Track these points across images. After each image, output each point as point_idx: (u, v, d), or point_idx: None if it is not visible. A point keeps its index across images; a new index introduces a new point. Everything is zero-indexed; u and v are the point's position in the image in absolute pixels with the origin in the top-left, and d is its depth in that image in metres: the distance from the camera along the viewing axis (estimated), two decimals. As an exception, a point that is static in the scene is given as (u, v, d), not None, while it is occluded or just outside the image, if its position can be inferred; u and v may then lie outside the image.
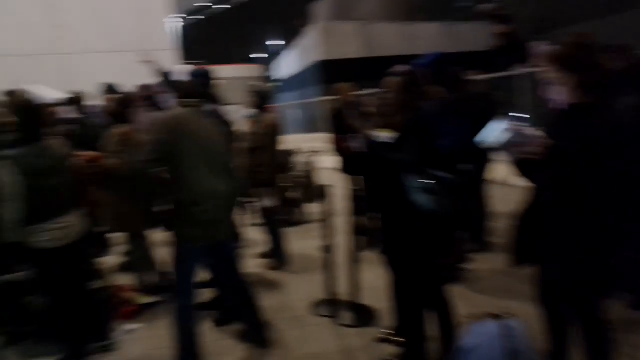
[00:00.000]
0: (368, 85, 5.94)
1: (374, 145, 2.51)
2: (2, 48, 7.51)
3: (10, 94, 3.82)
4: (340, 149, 4.44)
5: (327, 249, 3.34)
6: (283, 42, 31.87)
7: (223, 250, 2.88)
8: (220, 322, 3.29)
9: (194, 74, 3.37)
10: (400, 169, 2.31)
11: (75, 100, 4.92)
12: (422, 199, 2.24)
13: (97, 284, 3.45)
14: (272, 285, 3.98)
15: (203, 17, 33.66)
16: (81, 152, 3.12)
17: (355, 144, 2.90)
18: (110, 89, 4.21)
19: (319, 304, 3.51)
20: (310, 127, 14.48)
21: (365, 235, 3.74)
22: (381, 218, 2.60)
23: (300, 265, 4.33)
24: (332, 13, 19.85)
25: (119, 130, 3.51)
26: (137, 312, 3.52)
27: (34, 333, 3.15)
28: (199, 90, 3.00)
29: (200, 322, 2.86)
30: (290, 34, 26.25)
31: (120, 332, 3.25)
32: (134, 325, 3.36)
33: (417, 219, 2.33)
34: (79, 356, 2.87)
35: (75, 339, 2.89)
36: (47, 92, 4.92)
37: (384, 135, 2.43)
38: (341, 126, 4.38)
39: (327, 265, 3.36)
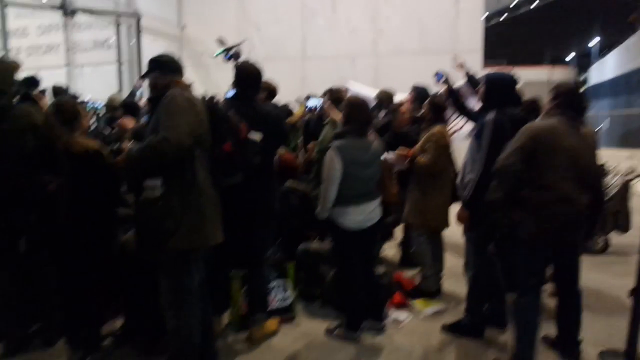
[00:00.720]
0: None
1: None
2: (332, 50, 8.79)
3: (336, 91, 4.47)
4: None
5: (635, 292, 2.72)
6: (600, 41, 27.61)
7: (568, 255, 2.81)
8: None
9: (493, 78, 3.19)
10: None
11: (383, 98, 5.38)
12: None
13: (380, 269, 3.77)
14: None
15: (510, 15, 32.11)
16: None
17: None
18: (419, 92, 4.38)
19: (612, 353, 2.92)
20: (631, 141, 12.16)
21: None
22: None
23: (592, 300, 3.67)
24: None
25: (435, 129, 3.68)
26: (407, 305, 3.64)
27: (322, 296, 3.65)
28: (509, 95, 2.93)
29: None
30: (616, 31, 22.51)
31: (390, 319, 3.42)
32: (403, 316, 3.48)
33: None
34: (355, 327, 3.16)
35: (354, 312, 3.19)
36: (363, 88, 5.52)
37: None
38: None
39: (632, 310, 2.74)
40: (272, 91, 4.10)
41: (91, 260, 2.76)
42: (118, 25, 8.64)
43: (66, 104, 2.87)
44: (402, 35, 8.50)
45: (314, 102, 4.79)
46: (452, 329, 3.24)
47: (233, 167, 2.57)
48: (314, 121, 4.78)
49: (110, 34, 8.96)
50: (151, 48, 8.41)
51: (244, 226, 2.97)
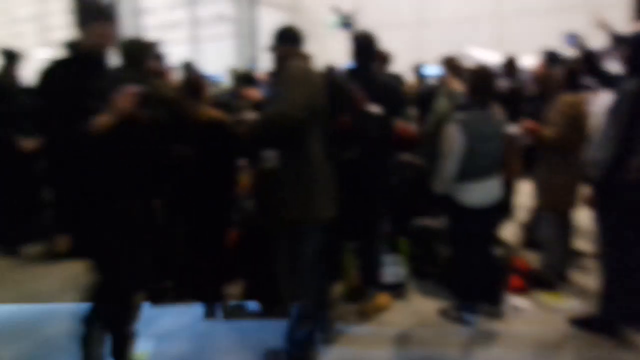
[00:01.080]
0: None
1: None
2: (451, 14, 8.27)
3: (454, 59, 4.19)
4: None
5: None
6: None
7: None
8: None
9: None
10: None
11: (508, 64, 4.96)
12: None
13: (498, 250, 3.54)
14: None
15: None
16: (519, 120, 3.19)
17: None
18: (550, 56, 3.95)
19: None
20: None
21: None
22: None
23: None
24: None
25: (566, 99, 3.29)
26: (526, 291, 3.39)
27: (436, 275, 3.53)
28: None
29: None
30: None
31: (508, 305, 3.21)
32: (523, 303, 3.24)
33: None
34: (470, 309, 3.02)
35: (470, 294, 3.04)
36: (484, 54, 5.13)
37: None
38: None
39: None
40: (385, 59, 3.97)
41: (217, 223, 2.97)
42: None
43: (192, 77, 3.04)
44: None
45: (429, 71, 4.50)
46: (581, 323, 2.94)
47: (350, 141, 2.53)
48: (429, 91, 4.55)
49: (228, 8, 9.34)
50: (267, 20, 8.62)
51: (359, 199, 2.95)
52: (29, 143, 4.15)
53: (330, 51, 8.68)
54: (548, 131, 3.25)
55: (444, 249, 3.47)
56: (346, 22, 3.81)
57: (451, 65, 4.02)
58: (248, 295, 3.21)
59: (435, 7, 8.54)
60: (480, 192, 2.86)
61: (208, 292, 3.11)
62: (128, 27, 7.37)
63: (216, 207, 2.95)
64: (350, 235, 3.22)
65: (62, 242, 4.26)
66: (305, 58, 2.48)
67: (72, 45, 2.17)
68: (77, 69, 2.10)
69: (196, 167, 2.90)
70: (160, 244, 3.21)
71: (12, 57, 4.43)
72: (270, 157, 2.46)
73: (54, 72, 2.09)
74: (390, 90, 2.98)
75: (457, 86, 3.51)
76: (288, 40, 2.51)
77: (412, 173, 3.71)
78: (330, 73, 2.57)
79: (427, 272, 3.60)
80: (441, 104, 3.75)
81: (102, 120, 2.01)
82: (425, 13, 8.65)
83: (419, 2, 8.65)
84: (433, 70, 4.30)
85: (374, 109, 2.55)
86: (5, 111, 4.18)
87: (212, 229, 2.97)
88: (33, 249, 4.49)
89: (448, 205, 2.97)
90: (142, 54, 3.02)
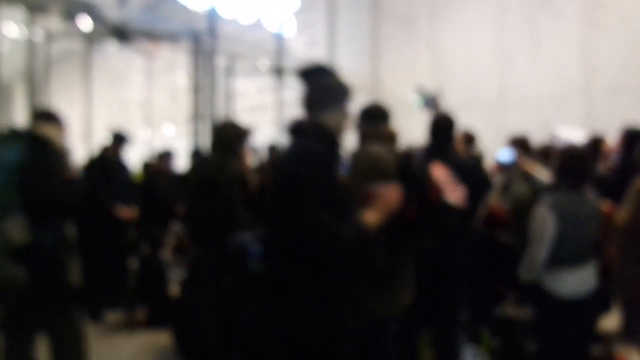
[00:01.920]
0: None
1: None
2: (534, 91, 8.09)
3: (523, 140, 4.01)
4: None
5: None
6: None
7: None
8: None
9: None
10: None
11: (593, 144, 4.68)
12: None
13: (595, 348, 3.15)
14: None
15: None
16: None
17: None
18: (631, 135, 3.68)
19: None
20: None
21: None
22: None
23: None
24: None
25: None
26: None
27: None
28: None
29: None
30: None
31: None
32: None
33: None
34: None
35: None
36: (571, 133, 4.90)
37: None
38: None
39: None
40: (470, 140, 3.93)
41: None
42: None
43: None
44: (621, 70, 7.37)
45: (504, 156, 4.11)
46: None
47: (420, 231, 2.36)
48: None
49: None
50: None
51: (436, 283, 2.81)
52: (125, 211, 4.52)
53: (410, 130, 8.78)
54: (620, 213, 2.98)
55: (530, 343, 3.15)
56: (429, 102, 3.85)
57: (522, 145, 3.87)
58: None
59: (516, 85, 8.44)
60: (573, 282, 2.61)
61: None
62: (220, 109, 8.02)
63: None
64: (425, 322, 3.04)
65: (141, 313, 4.46)
66: (389, 137, 2.47)
67: (315, 129, 1.88)
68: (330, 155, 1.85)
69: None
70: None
71: (119, 138, 4.97)
72: None
73: (319, 158, 1.76)
74: (470, 171, 2.90)
75: (532, 167, 3.37)
76: (371, 119, 2.53)
77: (498, 254, 3.49)
78: (404, 158, 2.46)
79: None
80: (519, 187, 3.61)
81: (371, 217, 1.82)
82: (506, 91, 8.56)
83: (499, 81, 8.61)
84: (505, 154, 3.96)
85: (451, 199, 2.31)
86: (105, 184, 4.62)
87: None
88: (115, 316, 4.69)
89: (536, 294, 2.72)
90: (237, 138, 3.20)
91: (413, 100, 4.16)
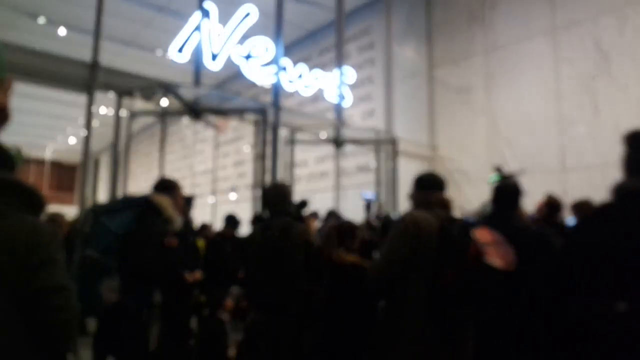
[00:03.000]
0: None
1: None
2: (597, 158, 7.86)
3: (584, 204, 3.91)
4: None
5: None
6: None
7: None
8: None
9: None
10: None
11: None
12: None
13: None
14: None
15: None
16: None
17: None
18: None
19: None
20: None
21: None
22: None
23: None
24: None
25: None
26: None
27: None
28: None
29: None
30: None
31: None
32: None
33: None
34: None
35: None
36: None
37: None
38: None
39: None
40: (554, 206, 3.89)
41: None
42: (378, 152, 9.77)
43: (345, 223, 3.32)
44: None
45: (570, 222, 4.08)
46: None
47: (457, 298, 2.30)
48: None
49: (370, 159, 10.16)
50: (405, 169, 9.14)
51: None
52: (193, 276, 4.77)
53: (466, 196, 8.72)
54: None
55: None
56: (503, 179, 3.89)
57: (585, 210, 3.78)
58: None
59: (577, 152, 8.26)
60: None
61: None
62: (283, 177, 8.40)
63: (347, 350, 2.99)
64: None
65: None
66: (442, 204, 2.51)
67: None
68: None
69: (329, 308, 3.05)
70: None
71: (187, 201, 5.35)
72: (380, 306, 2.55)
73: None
74: (536, 238, 2.80)
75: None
76: (425, 187, 2.58)
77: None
78: (446, 224, 2.38)
79: None
80: None
81: None
82: (567, 158, 8.38)
83: (560, 148, 8.46)
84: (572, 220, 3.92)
85: (495, 262, 2.24)
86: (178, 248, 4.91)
87: None
88: None
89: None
90: (286, 199, 3.32)
91: (490, 178, 4.17)
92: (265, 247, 3.08)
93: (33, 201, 1.17)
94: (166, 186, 3.14)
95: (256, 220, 5.52)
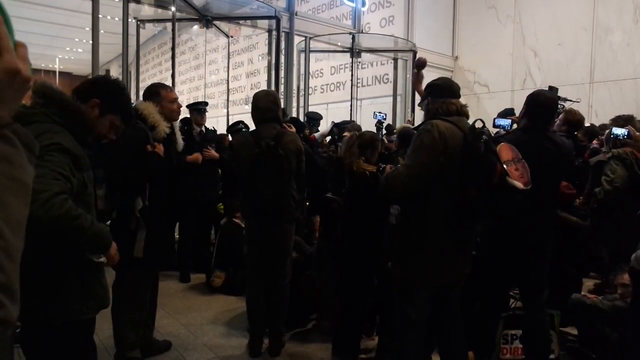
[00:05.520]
0: None
1: None
2: (630, 71, 7.46)
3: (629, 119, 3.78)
4: None
5: None
6: None
7: None
8: None
9: None
10: None
11: None
12: None
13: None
14: None
15: None
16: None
17: None
18: None
19: None
20: None
21: None
22: None
23: None
24: None
25: None
26: None
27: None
28: None
29: None
30: None
31: None
32: None
33: None
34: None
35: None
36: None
37: None
38: None
39: None
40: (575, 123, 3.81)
41: (363, 272, 3.10)
42: (396, 61, 9.35)
43: (366, 134, 3.24)
44: None
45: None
46: None
47: (478, 213, 2.33)
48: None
49: (388, 69, 9.78)
50: (424, 81, 8.79)
51: (514, 264, 2.79)
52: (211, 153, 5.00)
53: (485, 109, 8.46)
54: None
55: (612, 332, 3.00)
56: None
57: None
58: (381, 351, 3.17)
59: (609, 64, 7.80)
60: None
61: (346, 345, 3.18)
62: (297, 87, 8.19)
63: (362, 256, 3.07)
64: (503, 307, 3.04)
65: (218, 278, 4.80)
66: (460, 112, 2.41)
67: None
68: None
69: (347, 215, 3.12)
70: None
71: (200, 110, 5.27)
72: (393, 213, 2.56)
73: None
74: (562, 153, 2.76)
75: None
76: (441, 94, 2.46)
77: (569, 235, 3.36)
78: (471, 137, 2.28)
79: (589, 357, 3.14)
80: (615, 168, 3.47)
81: None
82: (598, 71, 7.95)
83: (591, 60, 8.00)
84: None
85: (516, 183, 2.22)
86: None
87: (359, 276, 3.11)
88: (199, 277, 5.19)
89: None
90: (277, 104, 3.33)
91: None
92: (262, 155, 3.13)
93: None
94: (151, 92, 3.09)
95: (234, 128, 5.23)
